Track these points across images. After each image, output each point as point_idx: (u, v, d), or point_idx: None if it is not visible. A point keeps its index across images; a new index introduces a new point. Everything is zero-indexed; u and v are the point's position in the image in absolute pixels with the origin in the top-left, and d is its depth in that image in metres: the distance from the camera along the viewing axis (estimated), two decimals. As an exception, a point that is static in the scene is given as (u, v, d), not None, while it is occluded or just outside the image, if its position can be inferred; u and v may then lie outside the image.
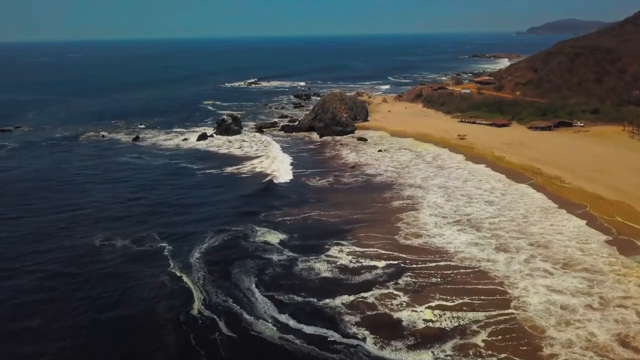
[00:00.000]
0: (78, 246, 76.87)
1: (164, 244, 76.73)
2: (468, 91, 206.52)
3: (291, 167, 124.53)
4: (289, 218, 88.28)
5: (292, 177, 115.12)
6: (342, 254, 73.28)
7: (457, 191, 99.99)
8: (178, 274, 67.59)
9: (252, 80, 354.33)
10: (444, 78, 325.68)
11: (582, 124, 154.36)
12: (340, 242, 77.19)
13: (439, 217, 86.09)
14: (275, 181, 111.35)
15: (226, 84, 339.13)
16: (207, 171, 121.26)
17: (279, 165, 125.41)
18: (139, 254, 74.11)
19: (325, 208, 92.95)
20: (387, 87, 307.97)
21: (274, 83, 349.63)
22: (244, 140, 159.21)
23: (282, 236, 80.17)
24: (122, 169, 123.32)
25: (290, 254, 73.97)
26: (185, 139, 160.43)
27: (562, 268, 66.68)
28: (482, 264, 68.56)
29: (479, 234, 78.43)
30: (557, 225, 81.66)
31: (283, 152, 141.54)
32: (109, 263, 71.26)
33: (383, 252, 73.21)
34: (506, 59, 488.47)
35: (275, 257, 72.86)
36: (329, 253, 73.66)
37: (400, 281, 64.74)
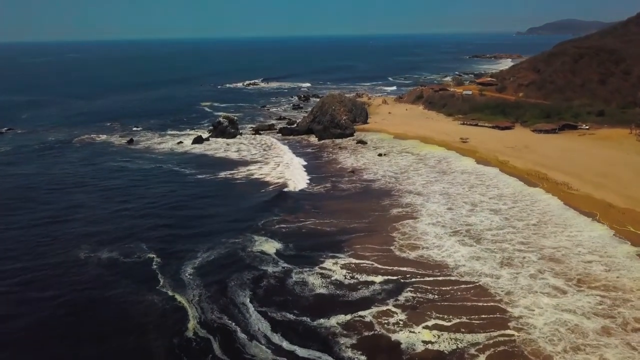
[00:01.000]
0: (61, 262, 72.07)
1: (153, 255, 72.76)
2: (470, 93, 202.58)
3: (306, 173, 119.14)
4: (285, 226, 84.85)
5: (306, 185, 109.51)
6: (337, 266, 69.63)
7: (460, 198, 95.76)
8: (170, 292, 63.19)
9: (251, 81, 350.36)
10: (445, 79, 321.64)
11: (587, 127, 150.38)
12: (337, 254, 73.35)
13: (438, 227, 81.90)
14: (284, 190, 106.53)
15: (225, 85, 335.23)
16: (201, 177, 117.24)
17: (282, 170, 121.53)
18: (129, 268, 69.81)
19: (322, 216, 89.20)
20: (394, 88, 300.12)
21: (273, 84, 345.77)
22: (242, 143, 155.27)
23: (279, 245, 76.69)
24: (113, 175, 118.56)
25: (287, 265, 70.37)
26: (180, 142, 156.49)
27: (576, 285, 61.96)
28: (482, 280, 64.29)
29: (481, 247, 74.03)
30: (574, 236, 76.39)
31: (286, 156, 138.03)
32: (96, 282, 66.23)
33: (380, 266, 69.37)
34: (509, 60, 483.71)
35: (270, 269, 69.25)
36: (325, 266, 69.92)
37: (398, 299, 60.90)
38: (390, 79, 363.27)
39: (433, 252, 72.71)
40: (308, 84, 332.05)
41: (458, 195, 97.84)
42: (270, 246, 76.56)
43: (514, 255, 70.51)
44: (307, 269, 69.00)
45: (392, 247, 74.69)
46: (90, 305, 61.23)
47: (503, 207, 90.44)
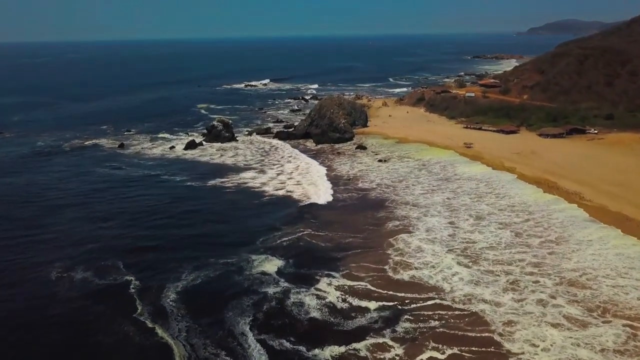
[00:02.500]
0: (29, 283, 65.84)
1: (131, 277, 66.59)
2: (472, 95, 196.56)
3: (328, 180, 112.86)
4: (287, 239, 79.15)
5: (312, 195, 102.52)
6: (331, 287, 64.33)
7: (463, 210, 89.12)
8: (150, 324, 56.49)
9: (249, 83, 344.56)
10: (446, 80, 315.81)
11: (596, 131, 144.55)
12: (332, 273, 67.78)
13: (437, 245, 74.93)
14: (285, 200, 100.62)
15: (223, 86, 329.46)
16: (191, 185, 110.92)
17: (283, 180, 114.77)
18: (103, 291, 63.40)
19: (320, 228, 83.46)
20: (404, 89, 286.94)
21: (272, 86, 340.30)
22: (238, 148, 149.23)
23: (280, 263, 70.98)
24: (97, 186, 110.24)
25: (287, 284, 64.96)
26: (172, 147, 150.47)
27: (600, 315, 54.33)
28: (479, 307, 57.60)
29: (484, 268, 66.87)
30: (602, 254, 68.24)
31: (289, 162, 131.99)
32: (64, 308, 59.49)
33: (373, 288, 63.48)
34: (510, 60, 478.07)
35: (271, 290, 63.56)
36: (320, 287, 64.33)
37: (392, 329, 54.76)
38: (390, 79, 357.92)
39: (429, 274, 66.09)
40: (307, 86, 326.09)
41: (462, 206, 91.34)
42: (272, 265, 70.24)
43: (523, 279, 63.21)
44: (304, 289, 63.55)
45: (386, 267, 68.68)
46: (53, 336, 54.53)
47: (516, 220, 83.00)
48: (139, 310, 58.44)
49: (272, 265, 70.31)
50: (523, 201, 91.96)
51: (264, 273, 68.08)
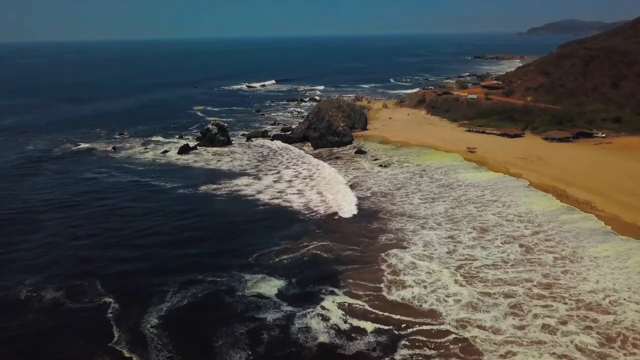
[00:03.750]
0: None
1: (110, 299, 61.56)
2: (475, 96, 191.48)
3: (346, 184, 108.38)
4: (286, 257, 73.71)
5: (314, 204, 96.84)
6: (334, 305, 60.07)
7: (466, 222, 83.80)
8: (127, 353, 51.35)
9: (248, 84, 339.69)
10: (447, 81, 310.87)
11: (603, 135, 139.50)
12: (334, 289, 63.33)
13: (435, 262, 69.38)
14: (283, 210, 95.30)
15: (221, 87, 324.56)
16: (181, 193, 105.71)
17: (283, 188, 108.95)
18: (76, 314, 58.23)
19: (323, 238, 78.89)
20: (405, 91, 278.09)
21: (270, 87, 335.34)
22: (234, 152, 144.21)
23: (281, 283, 65.58)
24: (82, 196, 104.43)
25: (290, 308, 59.87)
26: (165, 152, 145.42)
27: (620, 347, 48.73)
28: (472, 333, 52.61)
29: (483, 290, 61.29)
30: (621, 272, 62.48)
31: (286, 168, 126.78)
32: (30, 334, 54.33)
33: (370, 309, 58.83)
34: (512, 61, 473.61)
35: (270, 316, 58.04)
36: (324, 305, 60.09)
37: (389, 357, 50.43)
38: (391, 80, 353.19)
39: (424, 296, 60.81)
40: (306, 87, 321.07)
41: (465, 217, 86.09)
42: (269, 286, 64.56)
43: (531, 303, 57.56)
44: (311, 309, 59.08)
45: (381, 285, 63.86)
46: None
47: (525, 232, 77.40)
48: (115, 338, 53.08)
49: (269, 285, 65.25)
50: (531, 210, 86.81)
51: (260, 296, 62.74)
